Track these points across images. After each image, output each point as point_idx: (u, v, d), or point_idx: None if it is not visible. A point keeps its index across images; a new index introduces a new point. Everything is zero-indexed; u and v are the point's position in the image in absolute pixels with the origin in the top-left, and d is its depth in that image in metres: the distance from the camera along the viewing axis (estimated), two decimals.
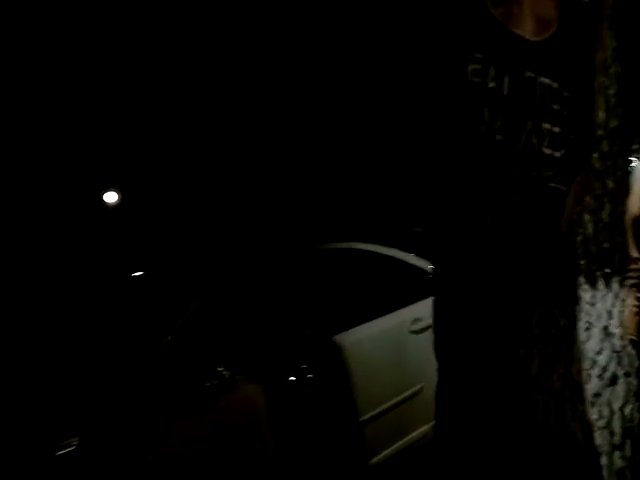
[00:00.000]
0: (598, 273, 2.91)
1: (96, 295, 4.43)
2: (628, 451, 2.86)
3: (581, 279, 2.88)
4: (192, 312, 3.58)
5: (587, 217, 2.90)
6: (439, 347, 1.69)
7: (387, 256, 4.66)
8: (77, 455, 2.95)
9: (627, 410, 2.88)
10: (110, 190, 15.07)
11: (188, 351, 3.40)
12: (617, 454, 2.86)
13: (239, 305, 3.84)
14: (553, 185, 1.60)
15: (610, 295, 2.92)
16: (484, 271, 1.58)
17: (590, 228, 2.91)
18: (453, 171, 1.58)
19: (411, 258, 4.70)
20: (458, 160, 1.57)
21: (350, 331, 3.97)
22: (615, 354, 2.90)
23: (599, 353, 2.91)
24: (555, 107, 1.59)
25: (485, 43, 1.55)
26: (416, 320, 4.27)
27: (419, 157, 1.63)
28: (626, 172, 3.03)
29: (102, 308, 4.16)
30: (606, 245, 2.92)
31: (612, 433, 2.87)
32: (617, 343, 2.90)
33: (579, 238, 2.88)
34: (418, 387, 4.17)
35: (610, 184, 2.93)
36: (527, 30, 1.59)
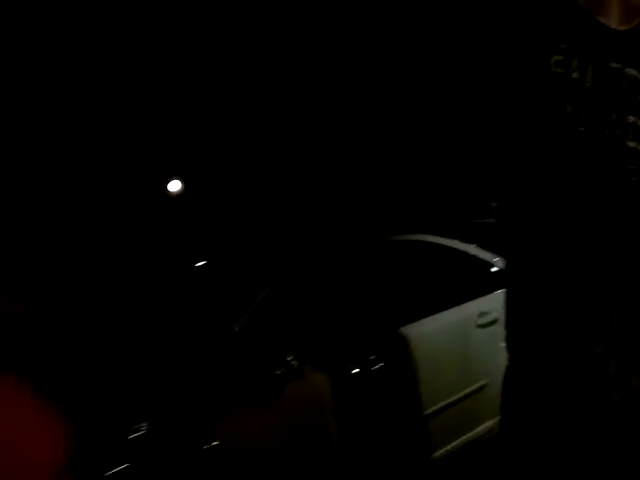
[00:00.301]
0: None
1: (164, 285, 4.52)
2: None
3: None
4: (262, 301, 3.61)
5: None
6: (511, 341, 1.66)
7: (452, 248, 4.63)
8: (146, 439, 3.02)
9: None
10: (174, 179, 15.20)
11: (258, 339, 3.44)
12: None
13: (308, 295, 3.86)
14: (636, 179, 1.55)
15: None
16: (563, 266, 1.54)
17: None
18: (534, 163, 1.55)
19: (472, 249, 4.66)
20: (539, 152, 1.53)
21: (417, 323, 3.95)
22: None
23: None
24: None
25: (569, 33, 1.51)
26: (483, 314, 4.22)
27: (499, 149, 1.60)
28: None
29: (170, 297, 4.23)
30: None
31: None
32: None
33: None
34: (483, 382, 4.13)
35: None
36: (613, 19, 1.54)
